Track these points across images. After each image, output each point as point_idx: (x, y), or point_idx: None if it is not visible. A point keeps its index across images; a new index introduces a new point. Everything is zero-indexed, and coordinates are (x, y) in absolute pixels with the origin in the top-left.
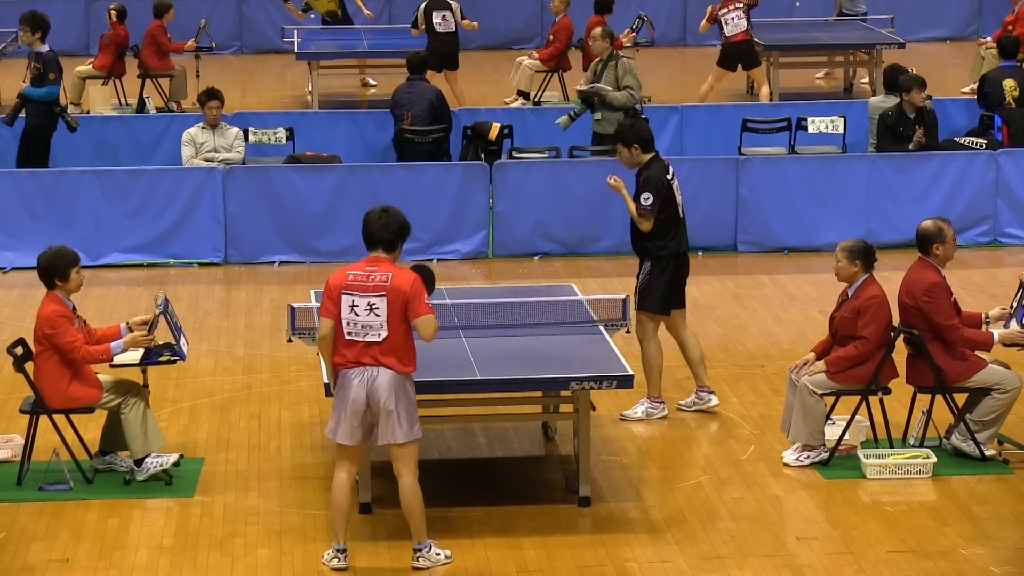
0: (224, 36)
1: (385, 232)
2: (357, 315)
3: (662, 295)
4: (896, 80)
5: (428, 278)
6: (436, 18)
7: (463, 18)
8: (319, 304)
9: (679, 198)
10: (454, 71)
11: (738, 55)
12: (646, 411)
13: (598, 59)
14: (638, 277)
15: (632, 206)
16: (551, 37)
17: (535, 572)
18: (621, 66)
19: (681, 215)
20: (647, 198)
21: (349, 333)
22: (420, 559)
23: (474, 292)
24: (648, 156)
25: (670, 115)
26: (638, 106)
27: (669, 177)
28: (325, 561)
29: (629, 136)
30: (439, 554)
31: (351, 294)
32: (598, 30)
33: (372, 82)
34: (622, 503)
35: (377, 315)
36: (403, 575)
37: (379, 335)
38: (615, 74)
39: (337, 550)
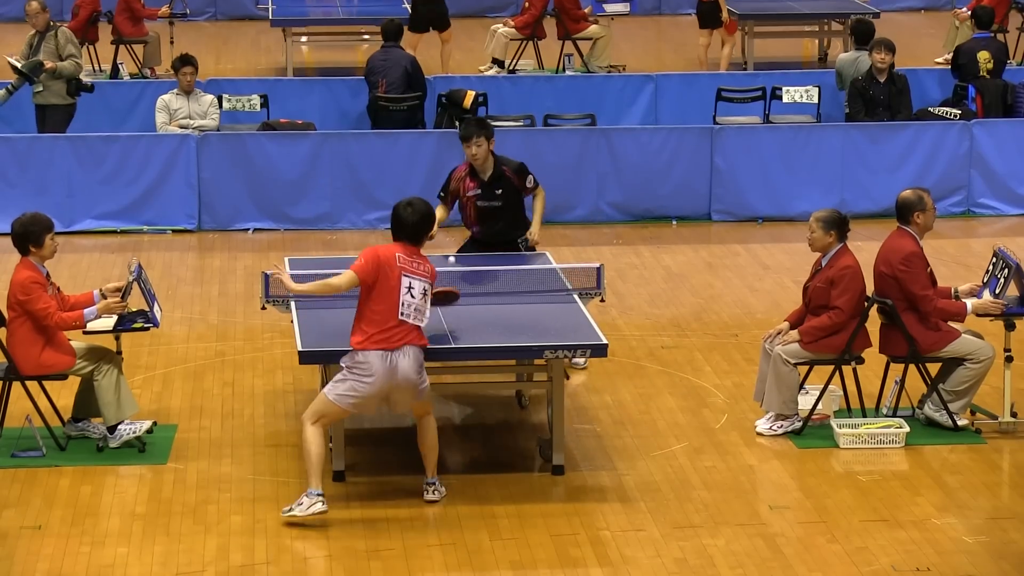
0: (198, 2)
1: (418, 225)
2: (413, 297)
3: None
4: (866, 33)
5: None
6: None
7: None
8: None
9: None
10: (445, 31)
11: (705, 13)
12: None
13: (35, 32)
14: None
15: None
16: (526, 5)
17: (508, 540)
18: (61, 35)
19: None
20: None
21: (403, 314)
22: (435, 492)
23: (448, 261)
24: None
25: (645, 84)
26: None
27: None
28: (304, 509)
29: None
30: (442, 488)
31: (409, 276)
32: (34, 5)
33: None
34: (595, 472)
35: (426, 300)
36: (377, 541)
37: (423, 320)
38: (55, 44)
39: (318, 495)
